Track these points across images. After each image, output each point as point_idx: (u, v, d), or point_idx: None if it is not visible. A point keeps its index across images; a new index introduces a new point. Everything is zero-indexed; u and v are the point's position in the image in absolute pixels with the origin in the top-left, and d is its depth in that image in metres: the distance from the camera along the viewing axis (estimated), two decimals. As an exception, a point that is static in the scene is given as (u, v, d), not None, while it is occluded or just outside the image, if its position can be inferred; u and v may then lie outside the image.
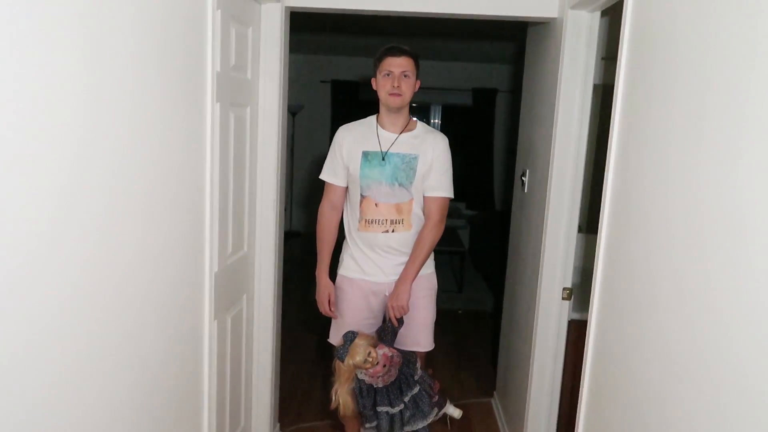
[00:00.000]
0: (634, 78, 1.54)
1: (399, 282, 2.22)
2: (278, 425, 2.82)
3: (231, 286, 2.17)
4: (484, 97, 6.40)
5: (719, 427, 1.06)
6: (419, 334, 2.31)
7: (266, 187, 2.45)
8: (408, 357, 2.23)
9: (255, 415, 2.59)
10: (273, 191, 2.45)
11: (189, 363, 1.84)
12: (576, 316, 2.38)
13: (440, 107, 6.69)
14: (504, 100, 6.38)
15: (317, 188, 2.40)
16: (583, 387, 1.76)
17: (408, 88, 2.16)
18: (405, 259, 2.25)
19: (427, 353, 2.36)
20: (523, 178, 2.83)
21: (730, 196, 1.05)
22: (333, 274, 2.36)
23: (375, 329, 2.29)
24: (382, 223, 2.22)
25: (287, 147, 2.62)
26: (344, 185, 2.30)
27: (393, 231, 2.23)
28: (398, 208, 2.22)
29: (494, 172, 6.59)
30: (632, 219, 1.48)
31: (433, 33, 4.47)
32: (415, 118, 2.30)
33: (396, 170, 2.20)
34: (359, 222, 2.25)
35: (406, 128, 2.25)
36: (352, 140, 2.25)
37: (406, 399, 2.19)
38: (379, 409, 2.17)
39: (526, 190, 2.78)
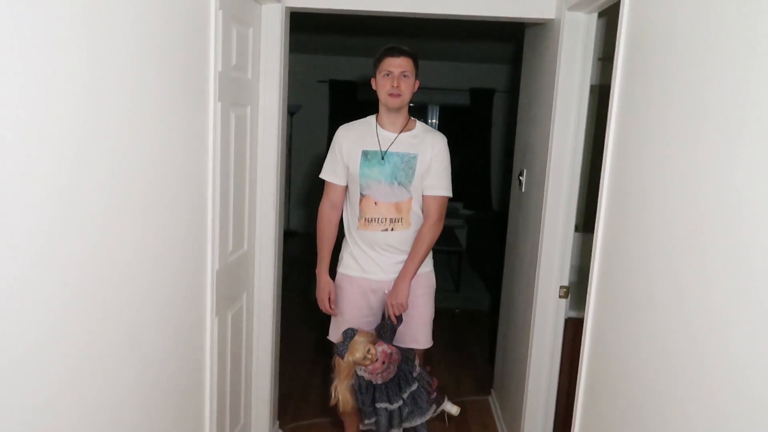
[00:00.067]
0: (630, 78, 1.56)
1: (398, 280, 2.24)
2: (277, 422, 2.84)
3: (231, 284, 2.19)
4: (482, 98, 6.42)
5: (716, 425, 1.06)
6: (418, 332, 2.33)
7: (266, 185, 2.46)
8: (407, 354, 2.25)
9: (255, 412, 2.60)
10: (273, 190, 2.47)
11: (190, 361, 1.85)
12: (573, 314, 2.41)
13: (438, 107, 6.70)
14: (501, 101, 6.39)
15: (315, 188, 2.41)
16: (579, 384, 1.78)
17: (407, 88, 2.18)
18: (404, 257, 2.27)
19: (426, 351, 2.38)
20: (520, 178, 2.85)
21: (728, 195, 1.06)
22: (333, 272, 2.38)
23: (374, 326, 2.32)
24: (382, 222, 2.24)
25: (285, 147, 2.63)
26: (344, 184, 2.31)
27: (392, 229, 2.25)
28: (397, 207, 2.24)
29: (491, 172, 6.61)
30: (630, 218, 1.50)
31: (431, 33, 4.48)
32: (414, 118, 2.32)
33: (395, 169, 2.22)
34: (359, 220, 2.27)
35: (405, 128, 2.26)
36: (352, 140, 2.27)
37: (405, 396, 2.21)
38: (378, 405, 2.19)
39: (523, 190, 2.81)
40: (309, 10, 2.45)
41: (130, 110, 1.37)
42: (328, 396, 2.26)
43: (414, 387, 2.23)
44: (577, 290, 2.47)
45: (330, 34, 5.05)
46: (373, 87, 2.24)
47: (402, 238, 2.26)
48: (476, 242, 5.99)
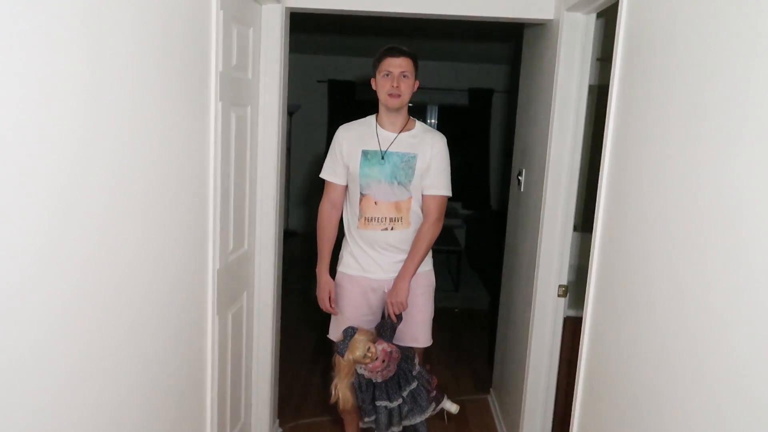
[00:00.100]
0: (629, 78, 1.56)
1: (398, 279, 2.25)
2: (277, 421, 2.84)
3: (232, 283, 2.19)
4: (481, 98, 6.42)
5: (715, 425, 1.06)
6: (417, 330, 2.33)
7: (266, 185, 2.47)
8: (406, 353, 2.25)
9: (255, 411, 2.61)
10: (273, 190, 2.48)
11: (191, 360, 1.86)
12: (572, 313, 2.41)
13: (437, 107, 6.70)
14: (500, 101, 6.39)
15: (314, 188, 2.42)
16: (578, 383, 1.79)
17: (407, 88, 2.18)
18: (404, 256, 2.27)
19: (425, 350, 2.39)
20: (519, 178, 2.86)
21: (728, 195, 1.06)
22: (333, 271, 2.38)
23: (374, 325, 2.32)
24: (382, 221, 2.25)
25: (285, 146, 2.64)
26: (344, 184, 2.32)
27: (392, 229, 2.25)
28: (397, 206, 2.24)
29: (490, 172, 6.62)
30: (629, 218, 1.50)
31: (431, 34, 4.48)
32: (413, 118, 2.33)
33: (395, 169, 2.22)
34: (359, 220, 2.27)
35: (405, 128, 2.27)
36: (352, 139, 2.27)
37: (405, 394, 2.21)
38: (378, 403, 2.20)
39: (522, 190, 2.81)
40: (309, 10, 2.45)
41: (131, 110, 1.37)
42: (328, 394, 2.26)
43: (414, 385, 2.23)
44: (575, 289, 2.47)
45: (330, 34, 5.05)
46: (373, 87, 2.24)
47: (402, 237, 2.26)
48: (475, 242, 6.00)
